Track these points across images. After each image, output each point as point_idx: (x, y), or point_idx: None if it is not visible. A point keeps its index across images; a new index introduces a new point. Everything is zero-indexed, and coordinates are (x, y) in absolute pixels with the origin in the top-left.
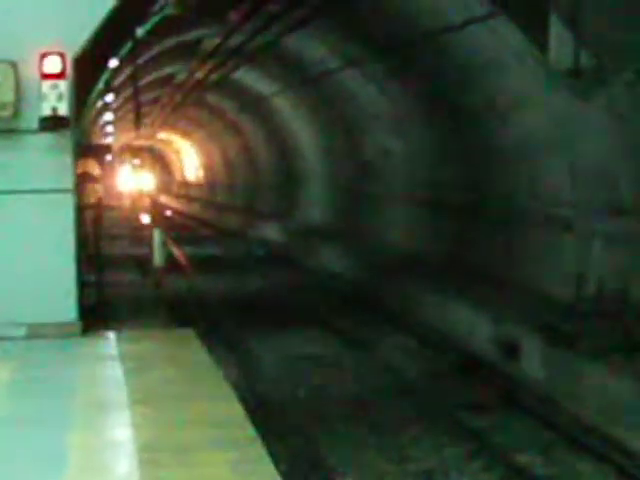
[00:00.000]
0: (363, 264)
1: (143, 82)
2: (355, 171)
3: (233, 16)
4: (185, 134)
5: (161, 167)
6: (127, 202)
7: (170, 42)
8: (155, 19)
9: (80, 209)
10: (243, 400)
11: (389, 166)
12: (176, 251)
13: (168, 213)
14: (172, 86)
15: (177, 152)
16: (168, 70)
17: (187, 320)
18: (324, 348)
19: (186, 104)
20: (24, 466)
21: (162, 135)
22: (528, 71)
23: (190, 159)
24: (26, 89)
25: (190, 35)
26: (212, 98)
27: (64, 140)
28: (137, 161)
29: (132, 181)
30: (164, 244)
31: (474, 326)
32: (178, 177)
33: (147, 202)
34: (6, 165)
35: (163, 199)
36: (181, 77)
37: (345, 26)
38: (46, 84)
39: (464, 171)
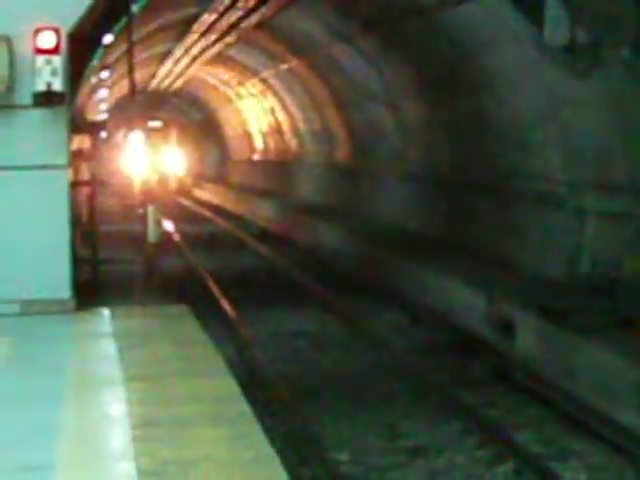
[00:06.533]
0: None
1: (138, 59)
2: (350, 147)
3: None
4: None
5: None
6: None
7: (165, 19)
8: None
9: (74, 186)
10: (237, 376)
11: (381, 141)
12: None
13: None
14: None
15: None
16: (163, 47)
17: (182, 297)
18: (317, 324)
19: None
20: (19, 442)
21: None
22: (523, 48)
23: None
24: (20, 64)
25: (185, 12)
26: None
27: (58, 116)
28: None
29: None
30: (158, 221)
31: (468, 303)
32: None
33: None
34: None
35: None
36: (177, 53)
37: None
38: (40, 59)
39: (457, 148)
